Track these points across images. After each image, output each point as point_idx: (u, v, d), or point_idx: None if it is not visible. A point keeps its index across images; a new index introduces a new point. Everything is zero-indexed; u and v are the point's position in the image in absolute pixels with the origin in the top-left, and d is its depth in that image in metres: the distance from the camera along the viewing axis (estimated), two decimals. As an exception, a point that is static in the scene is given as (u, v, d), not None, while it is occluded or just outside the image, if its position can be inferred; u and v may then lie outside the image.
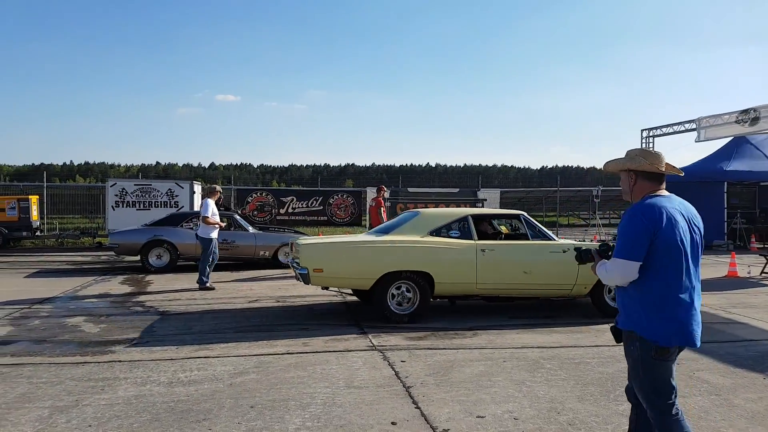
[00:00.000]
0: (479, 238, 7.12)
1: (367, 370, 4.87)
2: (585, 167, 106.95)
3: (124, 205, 16.42)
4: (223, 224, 10.01)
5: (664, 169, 2.80)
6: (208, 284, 9.19)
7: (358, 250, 6.82)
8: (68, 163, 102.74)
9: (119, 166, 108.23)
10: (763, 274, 11.70)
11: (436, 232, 7.07)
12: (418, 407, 4.02)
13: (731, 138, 18.61)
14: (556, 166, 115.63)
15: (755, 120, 14.06)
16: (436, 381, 4.61)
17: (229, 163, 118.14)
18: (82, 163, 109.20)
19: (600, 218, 20.60)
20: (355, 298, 8.35)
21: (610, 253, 2.81)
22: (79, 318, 6.95)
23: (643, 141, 18.71)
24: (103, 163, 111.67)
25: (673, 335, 2.62)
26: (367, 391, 4.33)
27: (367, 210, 19.45)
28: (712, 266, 13.69)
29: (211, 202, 9.37)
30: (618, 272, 2.67)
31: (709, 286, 10.36)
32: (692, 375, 4.87)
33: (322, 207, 19.39)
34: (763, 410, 4.05)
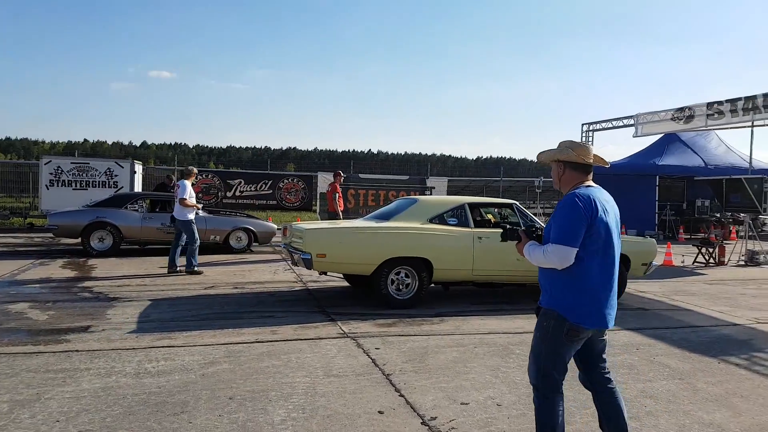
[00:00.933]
0: (475, 226, 7.26)
1: (343, 358, 4.80)
2: (517, 158, 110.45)
3: (60, 184, 15.46)
4: (200, 206, 9.69)
5: (591, 161, 2.95)
6: (197, 268, 8.96)
7: (362, 236, 6.82)
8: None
9: (44, 142, 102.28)
10: (696, 264, 12.43)
11: (436, 219, 7.16)
12: (402, 395, 3.99)
13: (662, 135, 19.59)
14: (491, 156, 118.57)
15: (690, 118, 14.82)
16: (414, 368, 4.60)
17: (162, 142, 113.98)
18: (3, 138, 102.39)
19: (541, 207, 21.25)
20: (317, 285, 8.24)
21: (538, 233, 3.00)
22: (23, 304, 6.49)
23: (583, 135, 19.38)
24: (26, 138, 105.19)
25: (591, 317, 2.79)
26: (348, 380, 4.27)
27: (320, 195, 19.30)
28: (648, 255, 14.38)
29: (188, 184, 9.05)
30: (557, 257, 2.77)
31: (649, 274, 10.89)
32: (653, 360, 5.10)
33: (271, 191, 18.97)
34: (724, 393, 4.28)
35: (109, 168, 15.79)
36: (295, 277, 8.99)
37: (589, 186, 2.92)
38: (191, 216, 9.04)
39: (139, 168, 16.67)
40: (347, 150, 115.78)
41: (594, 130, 18.89)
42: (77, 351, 4.78)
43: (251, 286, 8.07)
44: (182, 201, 8.86)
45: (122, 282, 8.12)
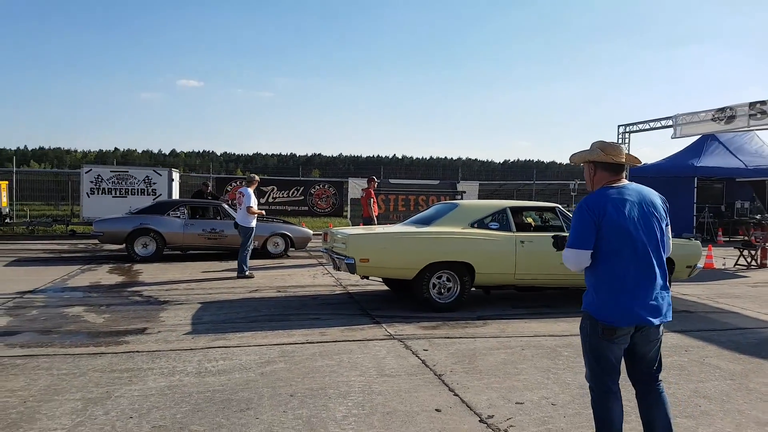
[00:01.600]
0: (517, 230, 7.29)
1: (393, 359, 4.89)
2: (546, 161, 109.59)
3: (100, 192, 15.94)
4: (264, 213, 10.02)
5: (622, 160, 2.95)
6: (247, 273, 9.18)
7: (404, 241, 6.91)
8: (22, 148, 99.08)
9: (75, 151, 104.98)
10: (737, 266, 12.21)
11: (477, 224, 7.20)
12: (456, 395, 4.06)
13: (700, 136, 19.26)
14: (518, 160, 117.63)
15: (731, 118, 14.55)
16: (464, 369, 4.66)
17: (191, 150, 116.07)
18: (37, 148, 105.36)
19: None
20: (356, 288, 8.36)
21: (563, 241, 3.10)
22: (78, 308, 6.75)
23: (619, 136, 19.16)
24: (59, 148, 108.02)
25: (619, 315, 2.78)
26: (401, 380, 4.36)
27: (350, 201, 19.47)
28: (687, 258, 14.15)
29: (251, 191, 9.40)
30: (571, 260, 2.90)
31: (691, 277, 10.73)
32: (703, 361, 5.07)
33: (303, 197, 19.22)
34: (780, 394, 4.24)
35: (147, 176, 16.21)
36: (334, 281, 9.12)
37: (614, 186, 2.91)
38: (253, 223, 9.37)
39: (176, 176, 17.07)
40: (372, 155, 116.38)
41: (631, 132, 18.67)
42: (138, 352, 4.97)
43: (293, 290, 8.23)
44: (249, 209, 9.20)
45: (170, 286, 8.36)
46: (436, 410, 3.77)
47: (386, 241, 6.96)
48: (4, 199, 15.98)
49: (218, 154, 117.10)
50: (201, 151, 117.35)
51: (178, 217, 11.45)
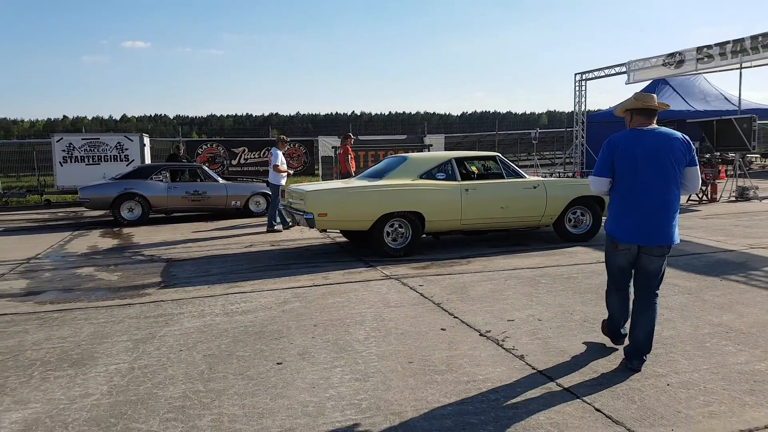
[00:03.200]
0: (462, 179, 7.80)
1: (395, 294, 5.51)
2: (502, 112, 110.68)
3: (73, 160, 15.86)
4: (291, 172, 10.67)
5: (649, 105, 3.60)
6: (276, 227, 9.87)
7: (360, 195, 7.34)
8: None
9: (23, 121, 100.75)
10: (690, 201, 13.23)
11: (425, 175, 7.68)
12: (456, 317, 4.72)
13: (651, 81, 20.15)
14: (475, 111, 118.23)
15: (680, 63, 15.37)
16: (458, 298, 5.32)
17: (142, 115, 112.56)
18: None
19: (538, 159, 21.90)
20: (342, 238, 8.90)
21: None
22: (88, 269, 7.13)
23: (576, 84, 19.88)
24: (5, 119, 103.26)
25: (622, 233, 3.61)
26: (406, 309, 4.99)
27: (321, 159, 19.76)
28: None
29: (279, 152, 10.00)
30: (592, 184, 3.77)
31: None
32: (666, 282, 5.84)
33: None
34: (728, 302, 5.04)
35: (119, 142, 16.18)
36: (322, 234, 9.65)
37: (637, 128, 3.57)
38: (283, 181, 9.99)
39: (147, 141, 17.05)
40: (330, 113, 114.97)
41: (587, 80, 19.40)
42: (163, 301, 5.46)
43: (286, 244, 8.74)
44: (275, 167, 9.89)
45: (167, 246, 8.75)
46: (442, 329, 4.42)
47: (343, 196, 7.35)
48: (-27, 172, 15.77)
49: (171, 117, 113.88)
50: (153, 115, 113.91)
51: (161, 180, 11.70)
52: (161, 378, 3.60)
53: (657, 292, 3.67)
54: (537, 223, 8.14)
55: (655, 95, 3.75)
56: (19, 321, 4.94)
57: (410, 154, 8.70)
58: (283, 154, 10.25)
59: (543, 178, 8.55)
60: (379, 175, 7.96)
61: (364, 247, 8.20)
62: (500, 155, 8.36)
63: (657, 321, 4.02)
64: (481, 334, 4.29)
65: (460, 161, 8.06)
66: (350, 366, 3.71)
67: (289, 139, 10.91)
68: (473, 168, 9.53)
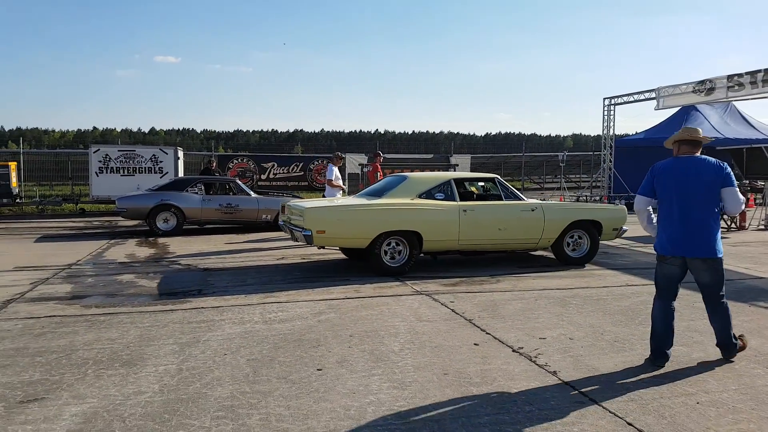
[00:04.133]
0: (460, 200, 7.82)
1: (427, 309, 5.66)
2: (527, 134, 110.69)
3: (108, 171, 16.38)
4: (345, 188, 10.98)
5: (693, 137, 4.10)
6: None
7: (358, 212, 7.38)
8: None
9: (54, 131, 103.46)
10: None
11: (424, 195, 7.71)
12: (488, 333, 4.84)
13: (680, 108, 20.11)
14: (500, 132, 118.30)
15: (710, 90, 15.36)
16: (489, 315, 5.44)
17: (170, 128, 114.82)
18: (14, 128, 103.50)
19: (564, 182, 21.91)
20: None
21: None
22: (129, 275, 7.41)
23: (605, 109, 19.93)
24: (37, 128, 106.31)
25: (663, 246, 4.14)
26: (438, 323, 5.13)
27: (348, 176, 20.06)
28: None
29: (334, 168, 10.40)
30: (635, 201, 4.33)
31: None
32: (693, 305, 5.88)
33: (303, 172, 19.83)
34: (756, 328, 5.10)
35: (154, 155, 16.67)
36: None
37: (680, 157, 4.10)
38: (338, 194, 10.40)
39: (181, 154, 17.53)
40: (354, 131, 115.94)
41: (616, 104, 19.45)
42: (204, 308, 5.67)
43: (316, 257, 8.94)
44: (329, 182, 10.32)
45: (202, 256, 9.02)
46: (474, 344, 4.55)
47: (341, 213, 7.40)
48: (14, 180, 16.36)
49: (198, 131, 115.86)
50: (180, 129, 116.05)
51: (196, 193, 12.06)
52: (209, 379, 3.79)
53: (720, 296, 4.14)
54: (535, 245, 8.20)
55: (700, 129, 4.22)
56: (68, 323, 5.19)
57: (410, 174, 8.68)
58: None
59: (541, 201, 8.55)
60: (378, 193, 8.01)
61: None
62: (499, 177, 8.43)
63: (686, 343, 4.39)
64: (513, 350, 4.41)
65: (459, 182, 8.15)
66: (387, 375, 3.86)
67: (343, 156, 11.30)
68: (473, 189, 9.55)
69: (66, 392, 3.61)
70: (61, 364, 4.11)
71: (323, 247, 8.07)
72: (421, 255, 7.74)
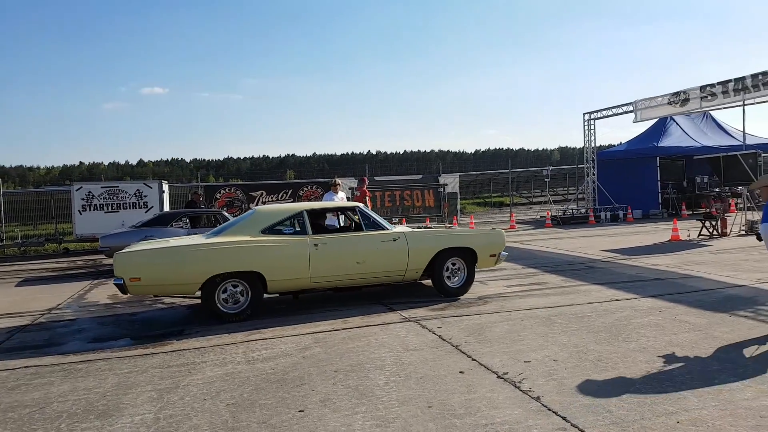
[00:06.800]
0: (315, 233, 7.18)
1: (414, 337, 5.61)
2: (515, 149, 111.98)
3: (92, 208, 16.21)
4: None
5: None
6: None
7: (180, 255, 6.65)
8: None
9: (38, 168, 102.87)
10: (701, 237, 13.24)
11: (269, 230, 7.06)
12: (474, 359, 4.80)
13: (657, 119, 20.46)
14: (489, 149, 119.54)
15: (685, 101, 15.63)
16: (476, 339, 5.40)
17: (159, 159, 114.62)
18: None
19: (551, 195, 22.06)
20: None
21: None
22: (109, 318, 7.29)
23: (585, 123, 20.19)
24: (21, 166, 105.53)
25: None
26: (425, 352, 5.07)
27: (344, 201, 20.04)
28: (655, 232, 15.23)
29: (334, 195, 10.63)
30: (761, 228, 5.90)
31: (660, 249, 11.72)
32: (675, 318, 5.90)
33: (292, 200, 19.76)
34: (737, 338, 5.10)
35: (138, 189, 16.55)
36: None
37: None
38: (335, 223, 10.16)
39: (166, 187, 17.43)
40: (346, 153, 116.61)
41: (595, 119, 19.72)
42: (185, 350, 5.58)
43: (302, 288, 8.85)
44: None
45: (185, 293, 8.90)
46: (460, 372, 4.50)
47: (159, 257, 6.65)
48: (-5, 222, 16.17)
49: (188, 160, 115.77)
50: (169, 159, 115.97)
51: (181, 227, 11.95)
52: (186, 428, 3.70)
53: None
54: (402, 277, 7.51)
55: None
56: (44, 373, 5.07)
57: (259, 207, 7.97)
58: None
59: (405, 230, 7.81)
60: (219, 231, 7.38)
61: (386, 291, 8.31)
62: (361, 206, 7.87)
63: (668, 359, 4.42)
64: (498, 377, 4.37)
65: (313, 213, 7.46)
66: (371, 412, 3.79)
67: (340, 182, 11.35)
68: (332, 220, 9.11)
69: (40, 449, 3.51)
70: (33, 419, 3.99)
71: (155, 296, 7.29)
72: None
